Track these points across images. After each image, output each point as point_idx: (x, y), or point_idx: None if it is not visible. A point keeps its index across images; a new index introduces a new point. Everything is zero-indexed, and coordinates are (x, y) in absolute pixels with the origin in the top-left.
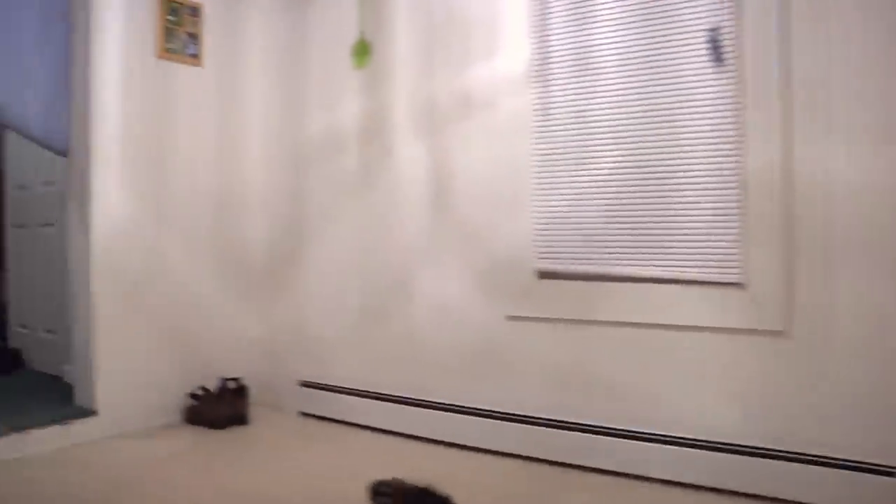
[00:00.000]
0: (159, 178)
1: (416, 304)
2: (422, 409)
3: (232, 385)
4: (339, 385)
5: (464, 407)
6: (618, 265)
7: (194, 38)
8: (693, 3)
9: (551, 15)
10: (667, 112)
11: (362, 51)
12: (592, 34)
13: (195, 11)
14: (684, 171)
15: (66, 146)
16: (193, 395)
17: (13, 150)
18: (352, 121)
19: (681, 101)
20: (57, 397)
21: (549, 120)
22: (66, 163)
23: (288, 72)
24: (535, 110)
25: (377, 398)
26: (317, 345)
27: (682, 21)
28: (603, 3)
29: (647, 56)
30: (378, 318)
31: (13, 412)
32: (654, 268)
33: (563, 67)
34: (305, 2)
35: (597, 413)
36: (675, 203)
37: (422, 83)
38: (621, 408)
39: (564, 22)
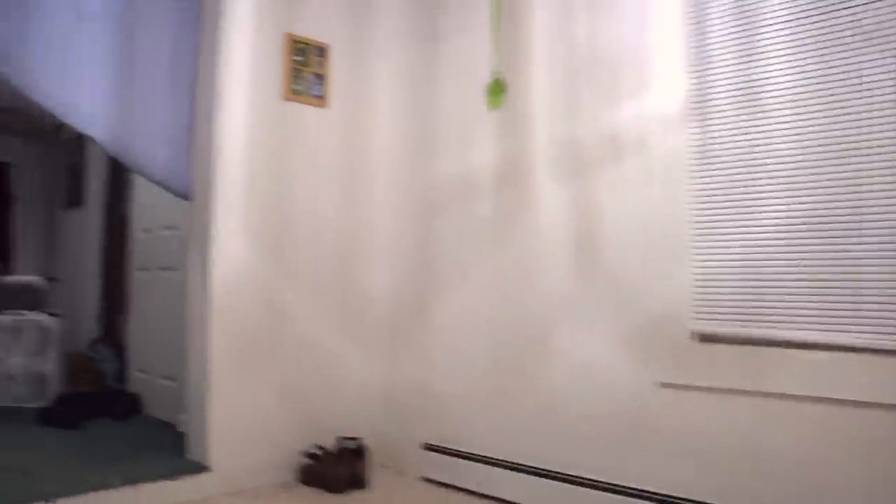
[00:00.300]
0: (281, 223)
1: (555, 365)
2: (558, 483)
3: (351, 445)
4: (466, 450)
5: (606, 483)
6: (794, 329)
7: (320, 78)
8: (883, 31)
9: (712, 47)
10: (852, 153)
11: (497, 90)
12: (761, 66)
13: (322, 52)
14: (876, 221)
15: (186, 190)
16: (310, 455)
17: (140, 194)
18: (486, 164)
19: (868, 140)
20: (170, 447)
21: (710, 162)
22: (188, 207)
23: (417, 113)
24: (693, 151)
25: (508, 467)
26: (443, 405)
27: (869, 50)
28: (773, 33)
29: (828, 89)
30: (511, 378)
31: (126, 461)
32: (840, 333)
33: (726, 103)
34: (436, 41)
35: (764, 501)
36: (864, 258)
37: (563, 123)
38: (794, 497)
39: (728, 54)
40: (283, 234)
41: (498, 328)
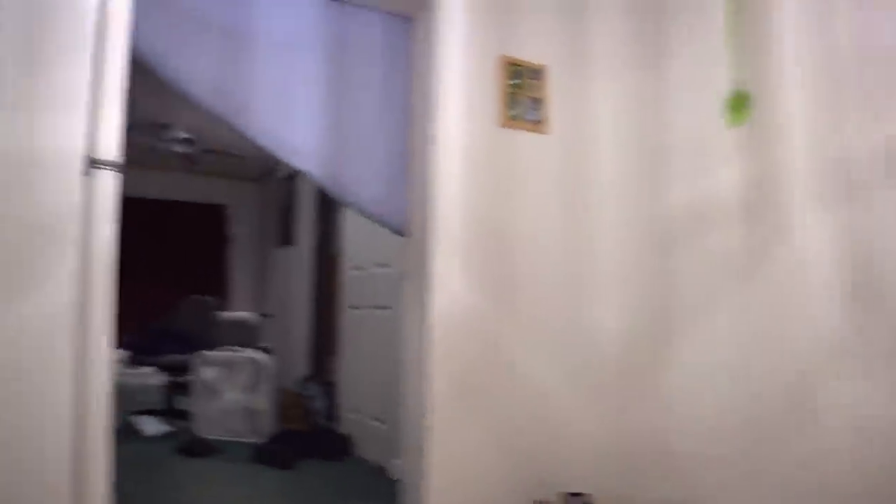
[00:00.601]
0: (500, 257)
1: (824, 425)
2: None
3: (577, 502)
4: None
5: None
6: None
7: (537, 102)
8: None
9: None
10: None
11: (739, 104)
12: None
13: (538, 74)
14: None
15: (402, 225)
16: None
17: (350, 231)
18: (729, 189)
19: None
20: (384, 495)
21: None
22: (404, 243)
23: (644, 135)
24: None
25: None
26: (682, 462)
27: None
28: None
29: None
30: (766, 437)
31: None
32: None
33: None
34: (662, 56)
35: None
36: None
37: (826, 138)
38: None
39: None
40: (503, 270)
41: (748, 378)
